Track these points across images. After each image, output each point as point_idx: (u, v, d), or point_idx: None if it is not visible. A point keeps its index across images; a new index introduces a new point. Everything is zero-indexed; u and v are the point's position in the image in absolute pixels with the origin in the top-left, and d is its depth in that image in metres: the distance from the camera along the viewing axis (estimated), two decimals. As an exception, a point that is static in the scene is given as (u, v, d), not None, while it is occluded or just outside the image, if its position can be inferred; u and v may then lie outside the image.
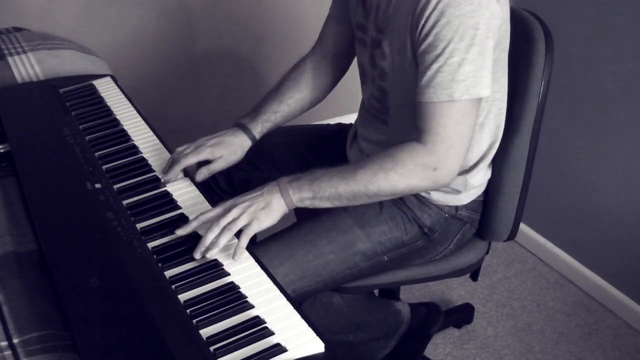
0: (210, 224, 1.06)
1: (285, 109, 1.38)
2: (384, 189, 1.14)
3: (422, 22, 1.11)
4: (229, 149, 1.30)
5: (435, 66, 1.10)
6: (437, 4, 1.08)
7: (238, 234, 1.07)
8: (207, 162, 1.28)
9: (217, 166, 1.28)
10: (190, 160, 1.23)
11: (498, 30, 1.13)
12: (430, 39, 1.10)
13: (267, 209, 1.11)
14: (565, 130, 1.96)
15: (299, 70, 1.43)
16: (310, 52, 1.46)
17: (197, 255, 1.02)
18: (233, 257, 1.03)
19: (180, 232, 1.06)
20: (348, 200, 1.15)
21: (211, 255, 1.03)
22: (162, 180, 1.21)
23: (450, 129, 1.11)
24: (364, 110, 1.39)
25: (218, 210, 1.10)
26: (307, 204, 1.15)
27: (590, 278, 2.01)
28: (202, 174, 1.24)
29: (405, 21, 1.15)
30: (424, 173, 1.13)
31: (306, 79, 1.42)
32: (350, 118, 1.52)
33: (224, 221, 1.07)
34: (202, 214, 1.09)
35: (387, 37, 1.21)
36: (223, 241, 1.04)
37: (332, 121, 1.65)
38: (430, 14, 1.09)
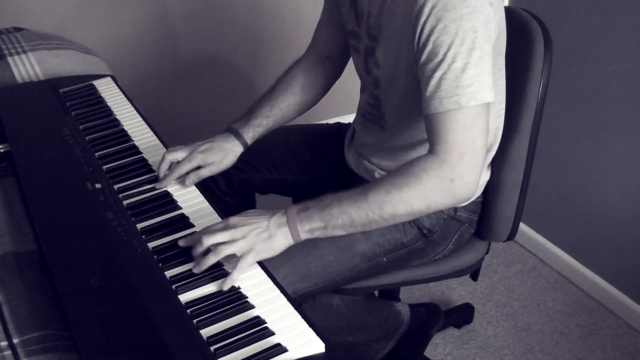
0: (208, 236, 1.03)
1: (277, 113, 1.37)
2: (400, 208, 1.05)
3: (419, 29, 1.07)
4: (220, 155, 1.28)
5: (438, 74, 1.06)
6: (431, 10, 1.05)
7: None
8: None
9: (206, 172, 1.25)
10: (184, 169, 1.22)
11: (492, 34, 1.11)
12: (429, 47, 1.06)
13: (268, 242, 1.04)
14: (564, 130, 1.96)
15: (292, 73, 1.42)
16: (303, 55, 1.45)
17: (196, 270, 1.00)
18: (222, 286, 0.98)
19: (182, 243, 1.05)
20: (363, 226, 1.07)
21: (197, 271, 0.99)
22: (155, 187, 1.20)
23: (460, 135, 1.05)
24: (360, 115, 1.39)
25: (218, 225, 1.05)
26: (318, 234, 1.07)
27: (590, 278, 2.01)
28: (191, 179, 1.21)
29: (400, 29, 1.13)
30: (440, 185, 1.05)
31: (299, 82, 1.40)
32: (349, 118, 1.53)
33: (216, 239, 1.01)
34: (206, 227, 1.06)
35: (380, 45, 1.20)
36: (211, 260, 1.00)
37: (331, 121, 1.65)
38: (426, 20, 1.06)
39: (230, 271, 1.00)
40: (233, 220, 1.05)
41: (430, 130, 1.09)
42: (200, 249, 1.01)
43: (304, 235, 1.07)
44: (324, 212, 1.06)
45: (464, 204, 1.33)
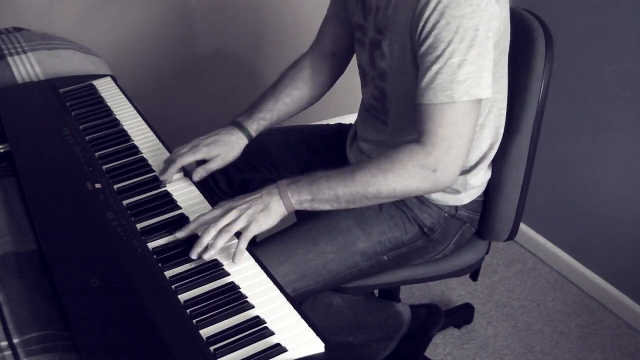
0: (208, 225, 1.06)
1: (281, 107, 1.38)
2: (383, 190, 1.12)
3: (422, 23, 1.10)
4: (225, 147, 1.29)
5: (435, 67, 1.09)
6: (436, 5, 1.08)
7: (237, 235, 1.07)
8: (204, 162, 1.28)
9: (214, 165, 1.27)
10: (186, 159, 1.23)
11: (497, 31, 1.13)
12: (430, 40, 1.10)
13: (265, 212, 1.10)
14: (565, 130, 1.96)
15: (296, 68, 1.42)
16: (308, 51, 1.45)
17: (194, 255, 1.02)
18: (232, 260, 1.02)
19: (180, 234, 1.06)
20: (347, 203, 1.14)
21: (208, 256, 1.02)
22: (160, 179, 1.21)
23: (449, 130, 1.10)
24: (364, 110, 1.39)
25: (217, 212, 1.09)
26: (306, 206, 1.14)
27: (590, 278, 2.01)
28: (199, 174, 1.23)
29: (405, 21, 1.15)
30: (423, 174, 1.11)
31: (304, 77, 1.41)
32: (350, 118, 1.52)
33: (222, 223, 1.06)
34: (200, 215, 1.09)
35: (386, 38, 1.21)
36: (220, 243, 1.03)
37: (332, 121, 1.65)
38: (430, 15, 1.09)
39: (229, 271, 1.01)
40: (228, 203, 1.10)
41: (420, 120, 1.13)
42: (208, 238, 1.04)
43: (295, 205, 1.13)
44: (312, 186, 1.13)
45: (464, 203, 1.33)
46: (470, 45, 1.08)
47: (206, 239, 1.04)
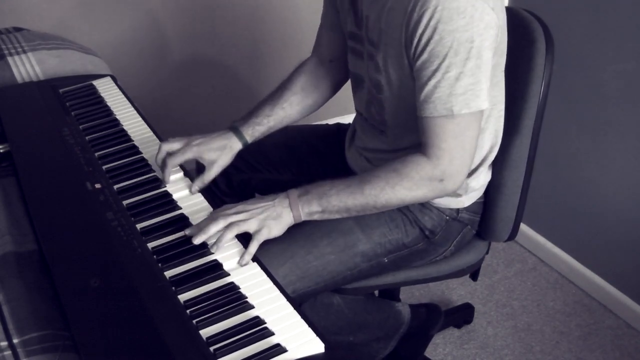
0: (216, 216, 1.08)
1: (279, 112, 1.38)
2: (392, 201, 1.15)
3: (416, 40, 1.10)
4: (216, 153, 1.28)
5: (432, 82, 1.09)
6: (429, 22, 1.07)
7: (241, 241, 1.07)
8: (203, 168, 1.27)
9: (212, 174, 1.26)
10: (177, 161, 1.22)
11: (495, 38, 1.12)
12: (425, 56, 1.09)
13: (277, 220, 1.12)
14: (565, 130, 1.96)
15: (294, 75, 1.43)
16: (308, 58, 1.45)
17: (196, 241, 1.04)
18: (239, 262, 1.03)
19: (189, 231, 1.08)
20: (357, 212, 1.17)
21: (215, 249, 1.04)
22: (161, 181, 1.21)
23: (451, 143, 1.12)
24: (361, 118, 1.39)
25: (230, 210, 1.11)
26: (316, 217, 1.16)
27: (590, 278, 2.01)
28: (196, 186, 1.22)
29: (399, 36, 1.14)
30: (430, 185, 1.14)
31: (301, 83, 1.41)
32: (349, 118, 1.52)
33: (232, 218, 1.08)
34: (216, 212, 1.11)
35: (380, 51, 1.20)
36: (229, 236, 1.05)
37: (331, 121, 1.65)
38: (423, 31, 1.08)
39: (230, 271, 1.01)
40: (240, 205, 1.12)
41: (423, 132, 1.15)
42: (215, 228, 1.06)
43: (304, 217, 1.15)
44: (322, 199, 1.15)
45: (465, 205, 1.33)
46: (467, 58, 1.07)
47: (213, 228, 1.06)
